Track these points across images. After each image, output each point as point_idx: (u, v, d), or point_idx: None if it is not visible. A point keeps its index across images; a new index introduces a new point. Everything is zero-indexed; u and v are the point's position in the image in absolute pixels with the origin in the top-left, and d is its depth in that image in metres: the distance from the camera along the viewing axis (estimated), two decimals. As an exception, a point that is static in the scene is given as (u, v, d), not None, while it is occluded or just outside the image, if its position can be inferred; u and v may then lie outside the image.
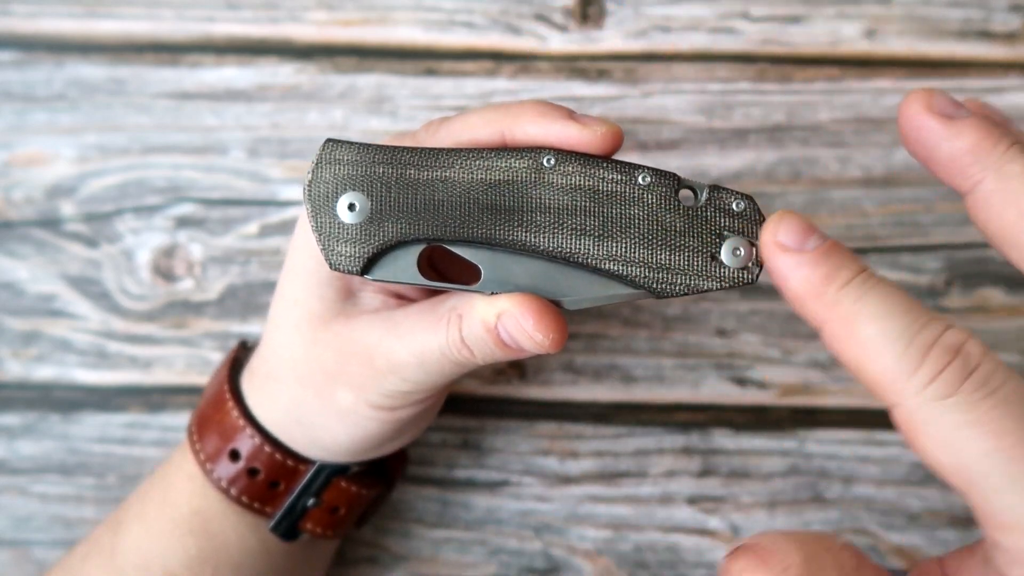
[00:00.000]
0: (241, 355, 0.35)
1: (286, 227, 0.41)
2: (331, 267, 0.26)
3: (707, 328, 0.41)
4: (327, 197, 0.26)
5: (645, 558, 0.40)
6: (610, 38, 0.42)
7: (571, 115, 0.26)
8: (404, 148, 0.26)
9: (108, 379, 0.41)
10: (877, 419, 0.41)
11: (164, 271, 0.41)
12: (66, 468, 0.40)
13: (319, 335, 0.30)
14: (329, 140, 0.26)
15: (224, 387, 0.33)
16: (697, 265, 0.26)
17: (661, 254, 0.26)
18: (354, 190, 0.26)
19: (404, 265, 0.27)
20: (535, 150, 0.26)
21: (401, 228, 0.26)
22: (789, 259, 0.22)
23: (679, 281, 0.26)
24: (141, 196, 0.41)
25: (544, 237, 0.26)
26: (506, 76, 0.41)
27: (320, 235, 0.26)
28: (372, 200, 0.26)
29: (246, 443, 0.32)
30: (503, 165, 0.26)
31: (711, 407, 0.40)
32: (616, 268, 0.26)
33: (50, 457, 0.40)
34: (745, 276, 0.26)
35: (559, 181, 0.26)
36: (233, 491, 0.32)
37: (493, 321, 0.26)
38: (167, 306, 0.41)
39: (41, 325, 0.41)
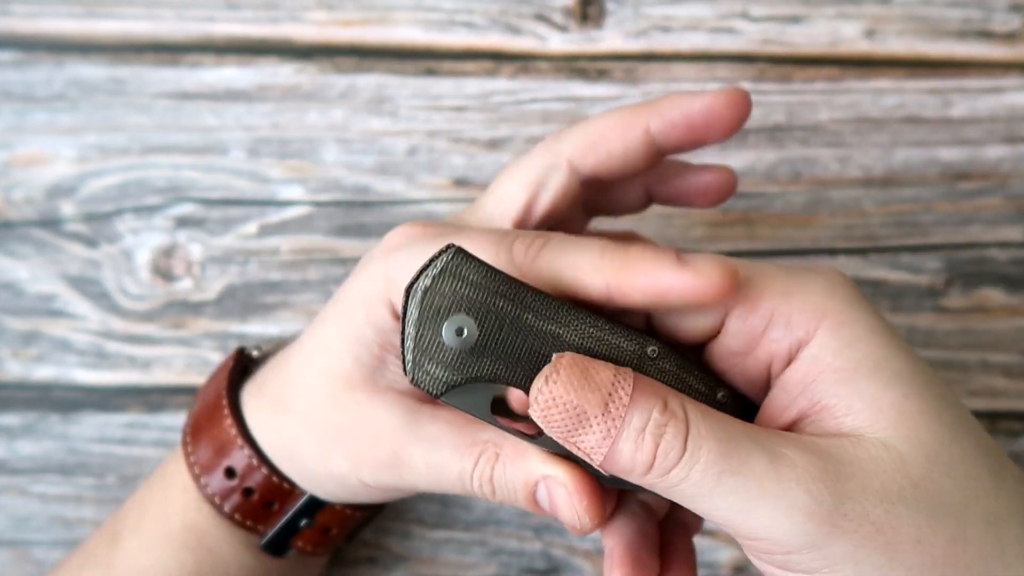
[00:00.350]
0: (246, 364, 0.34)
1: (285, 227, 0.41)
2: (409, 377, 0.25)
3: (707, 328, 0.41)
4: (438, 312, 0.24)
5: (645, 558, 0.40)
6: (610, 38, 0.42)
7: (679, 259, 0.25)
8: (527, 288, 0.25)
9: (107, 379, 0.41)
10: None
11: (163, 271, 0.41)
12: (66, 468, 0.40)
13: (341, 397, 0.29)
14: (459, 250, 0.25)
15: (222, 398, 0.32)
16: None
17: None
18: (468, 314, 0.24)
19: (478, 400, 0.25)
20: (644, 337, 0.26)
21: (498, 369, 0.25)
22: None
23: None
24: (141, 196, 0.41)
25: None
26: (506, 76, 0.41)
27: (415, 346, 0.24)
28: (481, 332, 0.24)
29: (242, 461, 0.31)
30: (613, 342, 0.25)
31: (711, 407, 0.40)
32: None
33: (50, 457, 0.40)
34: None
35: (654, 374, 0.25)
36: (227, 508, 0.31)
37: (536, 479, 0.26)
38: (166, 306, 0.41)
39: (41, 325, 0.41)
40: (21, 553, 0.40)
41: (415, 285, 0.24)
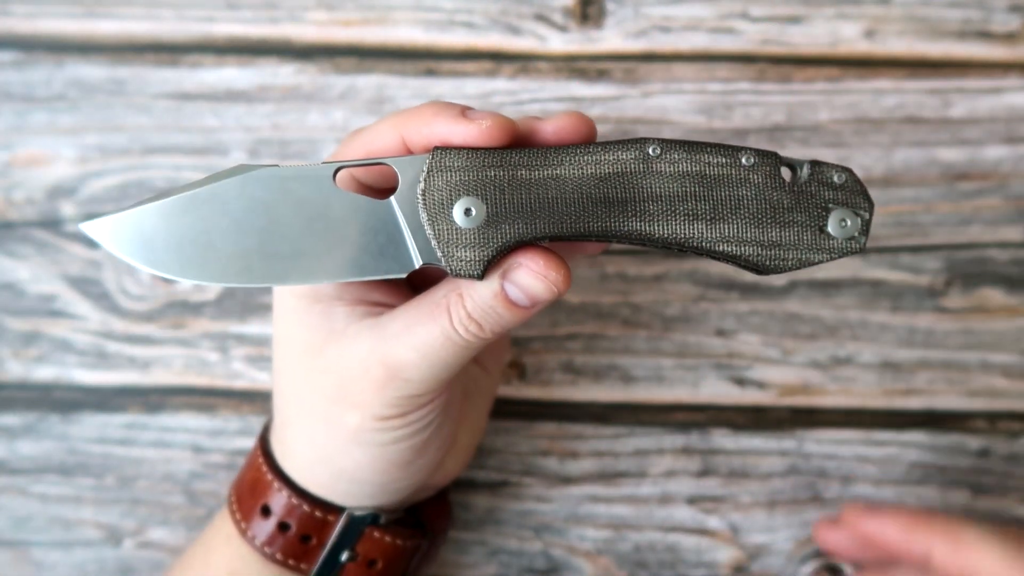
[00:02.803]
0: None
1: (286, 227, 0.41)
2: (452, 273, 0.27)
3: (706, 328, 0.41)
4: (442, 204, 0.26)
5: (645, 558, 0.40)
6: (610, 38, 0.42)
7: (462, 112, 0.27)
8: (512, 150, 0.27)
9: (107, 379, 0.41)
10: (875, 419, 0.41)
11: (164, 271, 0.41)
12: (66, 468, 0.40)
13: (316, 363, 0.30)
14: (437, 148, 0.27)
15: (257, 446, 0.33)
16: (807, 239, 0.27)
17: (771, 231, 0.27)
18: (468, 195, 0.26)
19: None
20: (641, 140, 0.27)
21: (518, 229, 0.26)
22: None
23: (791, 256, 0.27)
24: (142, 197, 0.41)
25: (658, 225, 0.26)
26: (506, 76, 0.41)
27: (439, 242, 0.26)
28: (487, 203, 0.26)
29: (274, 496, 0.32)
30: (611, 158, 0.26)
31: (710, 407, 0.41)
32: (729, 249, 0.26)
33: (50, 457, 0.40)
34: (853, 246, 0.27)
35: (666, 169, 0.26)
36: (267, 549, 0.32)
37: (500, 284, 0.27)
38: (166, 306, 0.41)
39: (41, 325, 0.41)
40: (21, 553, 0.40)
41: (417, 195, 0.27)
